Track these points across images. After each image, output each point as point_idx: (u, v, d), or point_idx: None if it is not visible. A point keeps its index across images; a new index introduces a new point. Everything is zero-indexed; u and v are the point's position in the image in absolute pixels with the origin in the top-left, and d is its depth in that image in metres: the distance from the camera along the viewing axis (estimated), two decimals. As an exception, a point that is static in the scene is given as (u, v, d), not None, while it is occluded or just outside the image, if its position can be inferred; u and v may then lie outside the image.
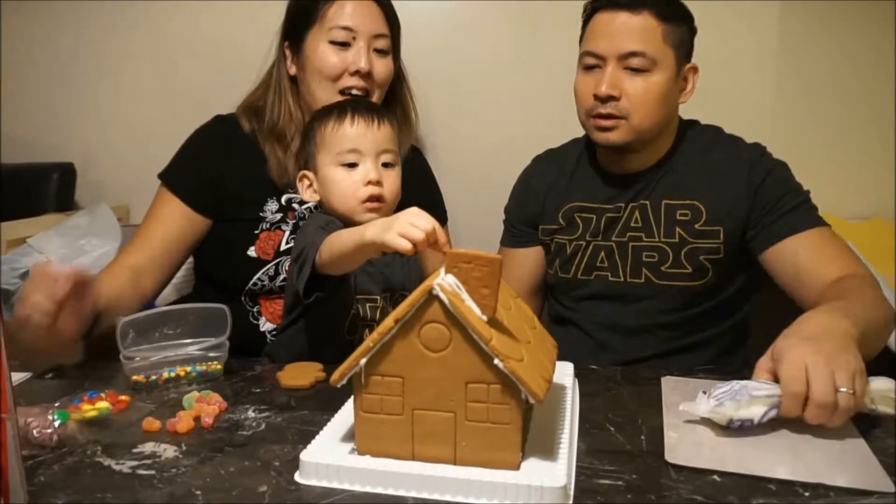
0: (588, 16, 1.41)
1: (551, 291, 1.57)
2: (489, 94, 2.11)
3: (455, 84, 2.08)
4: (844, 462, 0.85)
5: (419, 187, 1.55)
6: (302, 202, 1.47)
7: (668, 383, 1.11)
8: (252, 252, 1.44)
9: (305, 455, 0.82)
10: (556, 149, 1.59)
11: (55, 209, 2.10)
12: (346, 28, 1.43)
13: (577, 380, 1.07)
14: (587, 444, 0.90)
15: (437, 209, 1.64)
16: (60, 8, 2.21)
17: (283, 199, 1.48)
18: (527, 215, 1.55)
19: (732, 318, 1.44)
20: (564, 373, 1.05)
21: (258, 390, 1.09)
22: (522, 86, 2.10)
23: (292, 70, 1.51)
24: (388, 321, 0.78)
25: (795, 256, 1.30)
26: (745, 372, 1.16)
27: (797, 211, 1.34)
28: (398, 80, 1.59)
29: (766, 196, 1.35)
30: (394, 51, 1.53)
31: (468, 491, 0.77)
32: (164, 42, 2.17)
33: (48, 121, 2.27)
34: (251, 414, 1.00)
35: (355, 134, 1.26)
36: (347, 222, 1.24)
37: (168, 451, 0.88)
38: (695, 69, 1.40)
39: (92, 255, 1.73)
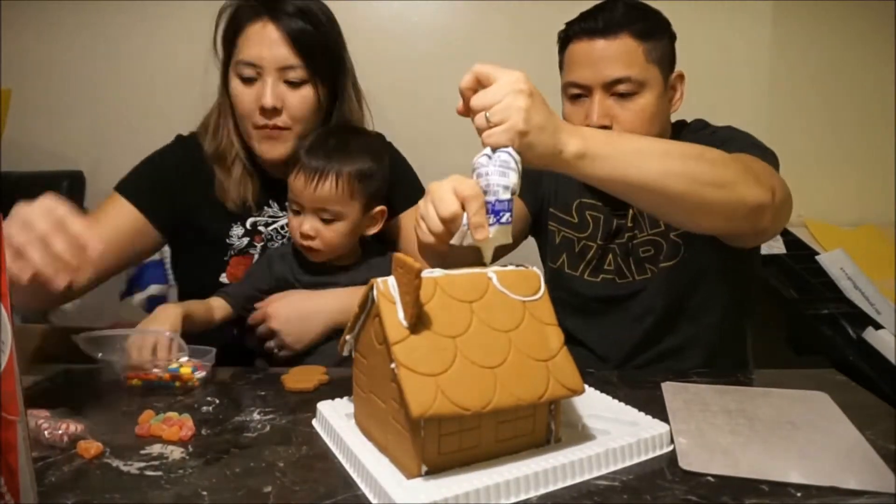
0: (563, 44, 1.36)
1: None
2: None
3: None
4: (852, 464, 0.84)
5: (396, 182, 1.47)
6: (267, 224, 1.44)
7: (669, 388, 1.10)
8: (224, 278, 1.42)
9: (322, 406, 0.95)
10: None
11: (65, 216, 2.10)
12: (249, 63, 1.32)
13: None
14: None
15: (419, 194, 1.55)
16: (71, 18, 2.22)
17: (248, 223, 1.44)
18: (537, 186, 1.49)
19: (723, 317, 1.41)
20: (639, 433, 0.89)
21: (263, 393, 1.09)
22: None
23: (229, 102, 1.42)
24: (356, 308, 0.84)
25: None
26: (738, 376, 1.17)
27: (727, 145, 1.21)
28: (341, 104, 1.44)
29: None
30: (324, 77, 1.38)
31: (368, 483, 0.78)
32: (174, 51, 2.18)
33: (58, 130, 2.28)
34: (256, 416, 1.00)
35: (296, 187, 1.29)
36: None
37: (175, 452, 0.88)
38: (681, 76, 1.38)
39: (100, 261, 1.73)
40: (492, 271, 0.86)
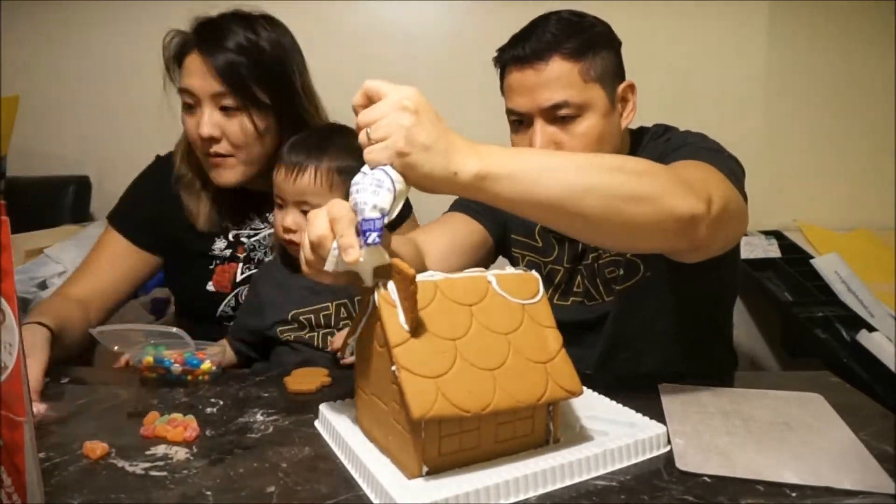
0: (500, 71, 1.30)
1: None
2: (476, 99, 2.11)
3: (448, 91, 2.09)
4: (847, 465, 0.84)
5: None
6: (250, 236, 1.47)
7: (666, 390, 1.10)
8: (210, 287, 1.45)
9: (324, 407, 0.95)
10: None
11: (71, 220, 2.11)
12: (185, 90, 1.35)
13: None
14: (583, 446, 0.90)
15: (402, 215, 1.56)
16: (77, 25, 2.23)
17: (231, 235, 1.47)
18: (495, 211, 1.38)
19: (701, 328, 1.36)
20: (642, 435, 0.89)
21: (266, 395, 1.09)
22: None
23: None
24: (359, 310, 0.85)
25: None
26: (734, 378, 1.17)
27: (679, 152, 1.17)
28: (297, 122, 1.41)
29: (667, 156, 1.18)
30: (260, 104, 1.35)
31: (369, 482, 0.78)
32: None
33: (65, 136, 2.28)
34: (259, 417, 1.00)
35: (278, 181, 1.30)
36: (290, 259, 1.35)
37: (179, 453, 0.88)
38: (631, 87, 1.29)
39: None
40: (491, 275, 0.86)
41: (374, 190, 0.79)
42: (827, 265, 1.92)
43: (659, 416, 0.98)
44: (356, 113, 0.85)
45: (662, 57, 2.05)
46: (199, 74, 1.33)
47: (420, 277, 0.79)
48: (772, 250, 2.06)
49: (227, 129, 1.35)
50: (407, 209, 1.61)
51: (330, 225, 0.81)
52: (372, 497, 0.76)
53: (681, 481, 0.80)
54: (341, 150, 1.30)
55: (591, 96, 1.21)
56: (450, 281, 0.83)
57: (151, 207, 1.46)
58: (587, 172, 0.88)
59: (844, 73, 2.15)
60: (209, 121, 1.33)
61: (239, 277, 1.45)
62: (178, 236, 1.45)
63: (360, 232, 0.78)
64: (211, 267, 1.45)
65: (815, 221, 2.17)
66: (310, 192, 1.27)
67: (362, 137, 0.82)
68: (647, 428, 0.90)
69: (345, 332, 1.23)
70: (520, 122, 1.26)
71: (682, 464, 0.84)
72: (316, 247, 0.82)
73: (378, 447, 0.84)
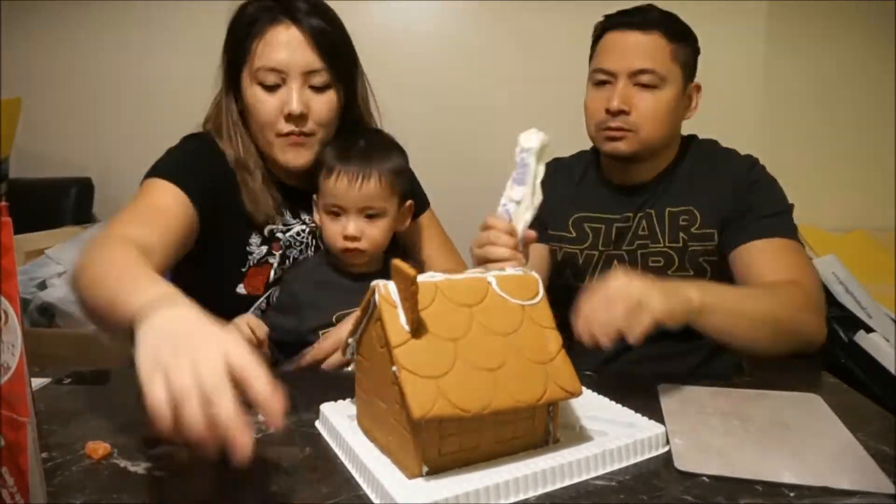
0: (598, 35, 1.43)
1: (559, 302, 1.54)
2: (491, 104, 2.11)
3: (454, 94, 2.09)
4: (844, 465, 0.84)
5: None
6: (284, 232, 1.37)
7: (666, 391, 1.10)
8: (241, 289, 1.34)
9: (326, 407, 0.95)
10: (563, 159, 1.58)
11: (73, 222, 2.11)
12: (272, 69, 1.24)
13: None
14: (582, 446, 0.90)
15: (417, 199, 1.48)
16: (79, 28, 2.23)
17: (266, 230, 1.35)
18: (543, 228, 1.47)
19: None
20: (639, 435, 0.90)
21: (267, 395, 1.09)
22: (524, 97, 2.11)
23: (238, 108, 1.34)
24: (358, 311, 0.85)
25: (751, 258, 1.30)
26: (732, 378, 1.17)
27: (770, 218, 1.33)
28: (355, 104, 1.38)
29: (746, 201, 1.36)
30: (344, 79, 1.32)
31: (369, 482, 0.78)
32: (182, 59, 2.18)
33: (67, 138, 2.29)
34: (261, 418, 1.00)
35: (338, 190, 1.27)
36: (334, 260, 1.35)
37: (181, 453, 0.88)
38: (698, 87, 1.43)
39: (108, 266, 1.73)
40: (491, 276, 0.86)
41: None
42: (825, 267, 1.92)
43: (658, 416, 0.98)
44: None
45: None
46: (291, 47, 1.24)
47: (420, 278, 0.79)
48: (770, 252, 2.07)
49: (315, 106, 1.28)
50: (423, 205, 1.55)
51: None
52: (372, 497, 0.76)
53: (679, 482, 0.80)
54: (391, 149, 1.32)
55: (673, 75, 1.35)
56: (450, 282, 0.83)
57: (209, 173, 1.29)
58: (764, 313, 1.14)
59: (842, 75, 2.16)
60: (300, 97, 1.25)
61: (272, 278, 1.36)
62: (219, 218, 1.29)
63: None
64: (244, 269, 1.34)
65: (812, 223, 2.17)
66: (376, 196, 1.27)
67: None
68: (646, 428, 0.90)
69: (331, 340, 1.23)
70: (602, 83, 1.38)
71: (681, 464, 0.84)
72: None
73: (378, 447, 0.84)
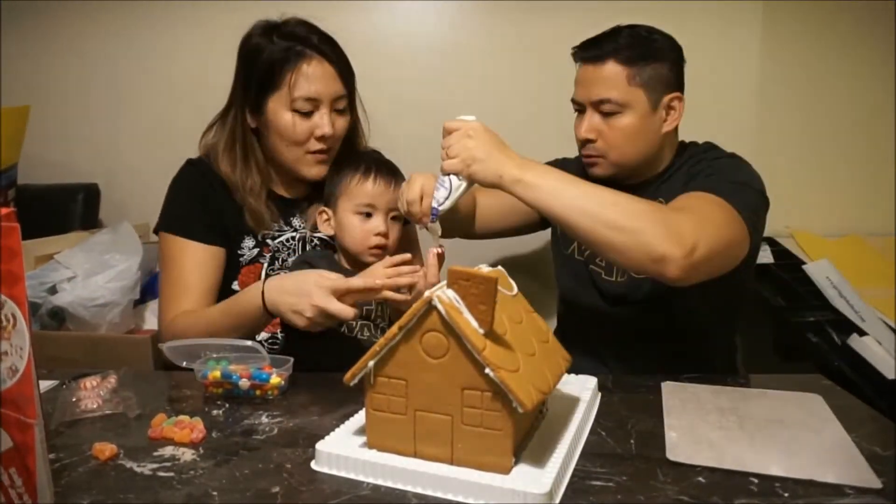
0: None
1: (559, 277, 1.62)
2: (489, 110, 2.12)
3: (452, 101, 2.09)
4: (834, 460, 0.85)
5: None
6: (275, 238, 1.47)
7: (668, 388, 1.11)
8: (235, 286, 1.43)
9: (321, 445, 0.86)
10: (567, 158, 1.64)
11: (80, 227, 2.11)
12: (309, 99, 1.38)
13: (599, 393, 1.09)
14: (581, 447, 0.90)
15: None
16: (85, 34, 2.23)
17: (259, 235, 1.46)
18: None
19: (710, 331, 1.45)
20: (585, 386, 1.06)
21: (270, 397, 1.09)
22: (519, 104, 2.11)
23: (252, 124, 1.45)
24: (394, 328, 0.81)
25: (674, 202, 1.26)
26: (737, 379, 1.17)
27: (711, 178, 1.32)
28: (357, 120, 1.54)
29: (696, 176, 1.37)
30: (353, 102, 1.49)
31: (458, 490, 0.78)
32: (187, 65, 2.19)
33: (74, 145, 2.29)
34: (264, 419, 1.00)
35: (374, 191, 1.35)
36: (353, 259, 1.38)
37: (186, 454, 0.88)
38: (678, 98, 1.41)
39: (116, 269, 1.74)
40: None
41: (438, 188, 1.19)
42: (818, 271, 1.92)
43: (658, 413, 1.00)
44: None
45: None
46: (322, 79, 1.39)
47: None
48: (765, 256, 2.06)
49: (338, 126, 1.43)
50: None
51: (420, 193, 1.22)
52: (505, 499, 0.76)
53: (676, 481, 0.80)
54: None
55: (633, 98, 1.36)
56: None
57: (201, 202, 1.44)
58: (588, 199, 1.13)
59: (838, 79, 2.15)
60: (330, 121, 1.40)
61: (263, 276, 1.45)
62: (225, 231, 1.44)
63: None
64: (238, 268, 1.45)
65: (806, 228, 2.17)
66: (397, 200, 1.34)
67: (442, 155, 1.19)
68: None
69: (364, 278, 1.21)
70: (580, 111, 1.44)
71: (674, 455, 0.86)
72: (412, 203, 1.23)
73: (431, 459, 0.82)
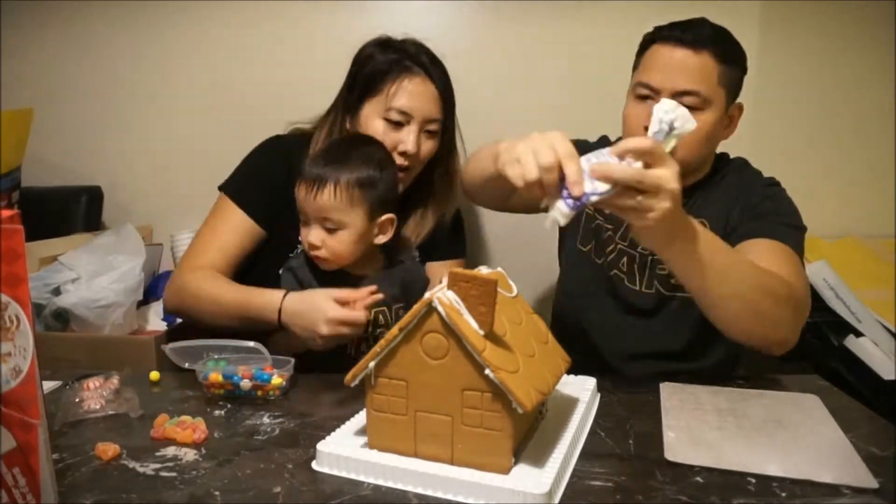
0: (645, 45, 1.34)
1: (567, 269, 1.57)
2: (508, 103, 2.10)
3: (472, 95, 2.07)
4: (831, 460, 0.85)
5: (444, 242, 1.57)
6: None
7: (667, 388, 1.11)
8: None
9: (322, 445, 0.86)
10: (587, 140, 1.53)
11: (83, 229, 2.11)
12: (402, 112, 1.40)
13: (598, 393, 1.09)
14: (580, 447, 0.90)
15: (460, 250, 1.64)
16: (88, 36, 2.23)
17: None
18: None
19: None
20: (584, 387, 1.05)
21: (272, 397, 1.09)
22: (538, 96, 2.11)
23: (347, 125, 1.48)
24: (394, 329, 0.81)
25: (750, 251, 1.20)
26: (735, 380, 1.17)
27: (781, 226, 1.27)
28: (447, 152, 1.53)
29: (755, 209, 1.31)
30: (445, 126, 1.48)
31: (458, 490, 0.78)
32: (191, 68, 2.18)
33: (78, 147, 2.28)
34: (266, 420, 1.00)
35: (299, 197, 1.28)
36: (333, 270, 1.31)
37: (188, 454, 0.88)
38: (740, 108, 1.36)
39: (119, 271, 1.73)
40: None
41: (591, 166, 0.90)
42: (815, 273, 1.92)
43: (656, 413, 1.00)
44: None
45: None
46: (424, 98, 1.41)
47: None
48: (762, 258, 2.07)
49: (423, 148, 1.44)
50: (455, 252, 1.62)
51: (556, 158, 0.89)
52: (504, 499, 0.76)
53: (674, 482, 0.80)
54: (361, 160, 1.27)
55: (717, 97, 1.27)
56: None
57: (273, 178, 1.43)
58: (745, 279, 1.07)
59: (836, 80, 2.14)
60: (416, 140, 1.41)
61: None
62: (286, 217, 1.39)
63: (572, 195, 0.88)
64: (292, 255, 1.41)
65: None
66: (331, 208, 1.24)
67: (636, 175, 0.90)
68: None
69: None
70: (644, 98, 1.29)
71: (672, 455, 0.86)
72: (544, 171, 0.89)
73: (432, 460, 0.82)
